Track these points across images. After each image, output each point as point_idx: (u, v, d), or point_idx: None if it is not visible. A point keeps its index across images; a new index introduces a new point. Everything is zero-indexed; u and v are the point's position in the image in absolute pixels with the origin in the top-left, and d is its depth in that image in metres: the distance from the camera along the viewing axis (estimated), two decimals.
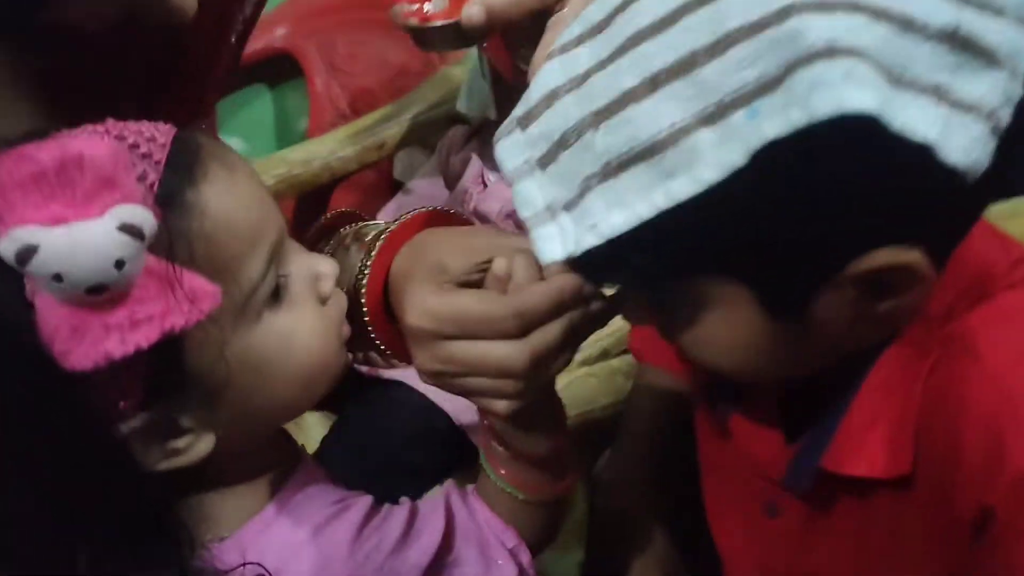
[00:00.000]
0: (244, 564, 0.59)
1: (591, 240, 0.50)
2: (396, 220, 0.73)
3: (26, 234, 0.46)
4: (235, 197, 0.58)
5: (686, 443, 0.82)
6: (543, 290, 0.62)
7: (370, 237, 0.73)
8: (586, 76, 0.51)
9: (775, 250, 0.50)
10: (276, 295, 0.61)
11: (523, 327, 0.62)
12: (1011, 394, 0.53)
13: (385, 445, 1.18)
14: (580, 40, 0.53)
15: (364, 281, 0.70)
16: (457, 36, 0.71)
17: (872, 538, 0.64)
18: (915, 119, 0.45)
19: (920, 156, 0.46)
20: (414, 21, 0.73)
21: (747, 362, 0.59)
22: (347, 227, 0.78)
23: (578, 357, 1.03)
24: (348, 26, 1.98)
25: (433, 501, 0.72)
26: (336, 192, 1.58)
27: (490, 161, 1.37)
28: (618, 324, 1.04)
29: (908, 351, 0.59)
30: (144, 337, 0.49)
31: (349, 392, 1.33)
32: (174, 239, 0.52)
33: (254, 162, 1.66)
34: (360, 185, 1.70)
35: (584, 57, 0.52)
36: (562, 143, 0.52)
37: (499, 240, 0.67)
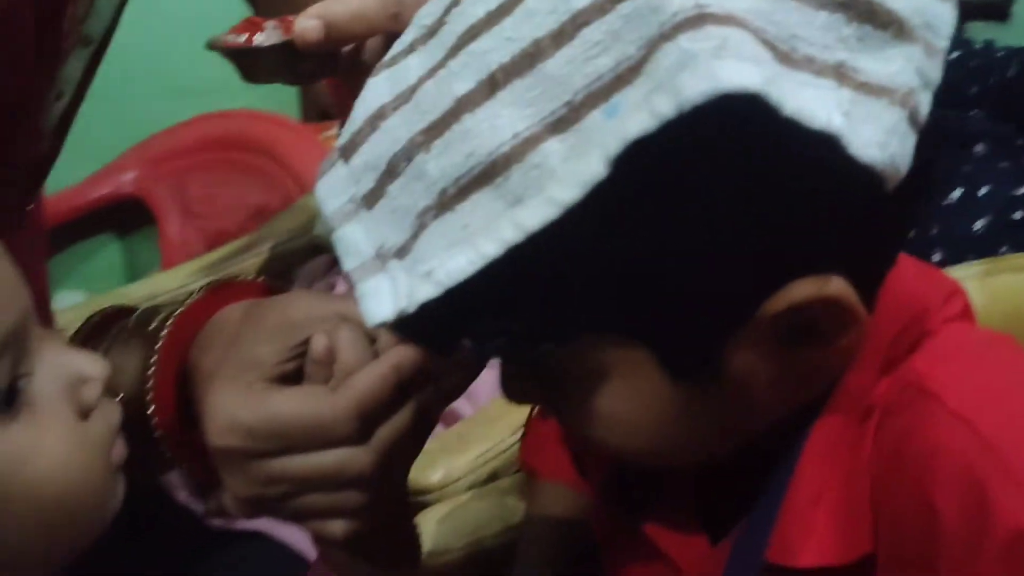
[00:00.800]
0: None
1: (427, 291, 0.39)
2: (184, 300, 0.59)
3: None
4: None
5: (592, 569, 0.70)
6: (378, 373, 0.49)
7: (154, 325, 0.58)
8: (415, 88, 0.42)
9: (665, 292, 0.40)
10: (9, 401, 0.45)
11: (361, 427, 0.49)
12: (987, 439, 0.42)
13: None
14: (411, 48, 0.44)
15: (150, 385, 0.55)
16: (290, 61, 0.60)
17: None
18: (812, 102, 0.36)
19: (824, 150, 0.36)
20: (236, 39, 0.61)
21: (656, 441, 0.48)
22: (127, 319, 0.63)
23: (464, 480, 0.92)
24: (202, 167, 1.88)
25: None
26: None
27: None
28: (508, 443, 0.94)
29: (846, 410, 0.48)
30: None
31: (192, 557, 1.15)
32: None
33: (92, 298, 1.50)
34: None
35: (414, 67, 0.43)
36: (390, 172, 0.41)
37: (320, 307, 0.53)
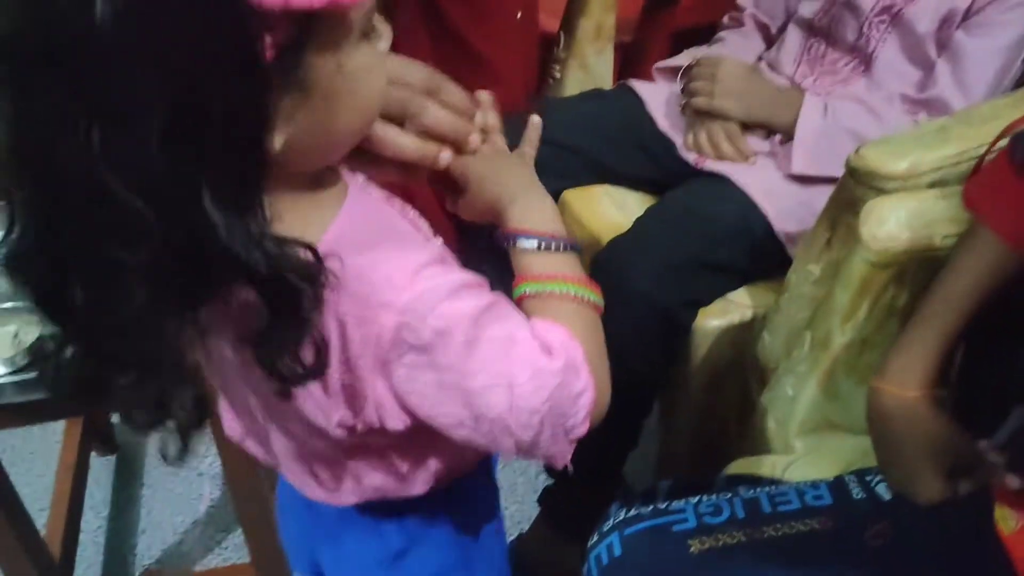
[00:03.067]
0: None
1: None
2: None
3: None
4: None
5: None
6: None
7: None
8: None
9: None
10: (366, 33, 0.56)
11: None
12: None
13: (698, 237, 1.15)
14: None
15: None
16: None
17: None
18: None
19: None
20: None
21: None
22: None
23: (927, 176, 0.92)
24: None
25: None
26: None
27: None
28: (982, 151, 0.90)
29: None
30: None
31: (670, 185, 1.31)
32: None
33: None
34: None
35: None
36: None
37: None
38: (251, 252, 0.49)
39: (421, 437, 0.65)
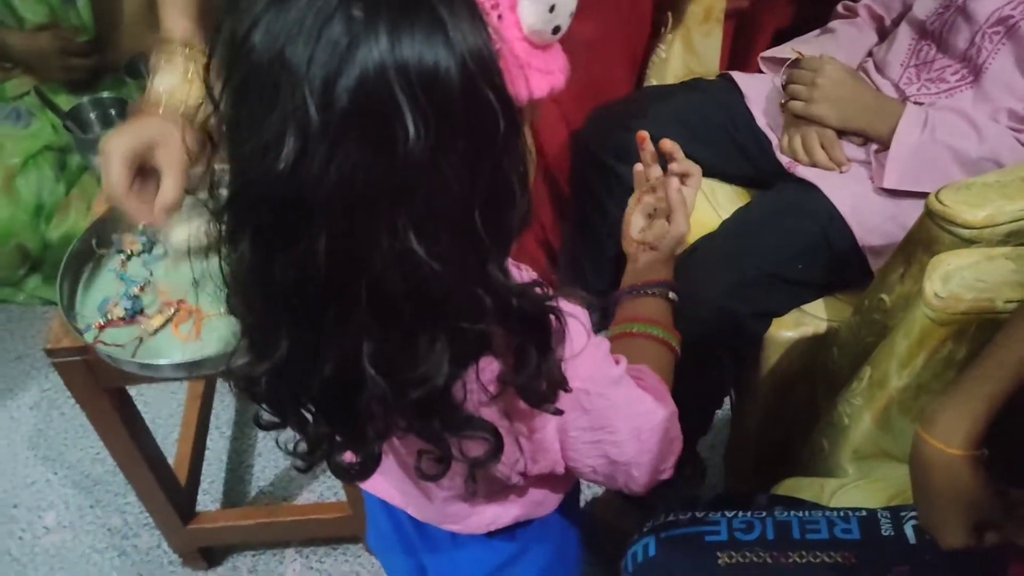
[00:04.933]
0: None
1: None
2: None
3: None
4: None
5: None
6: None
7: None
8: None
9: None
10: None
11: None
12: None
13: (774, 251, 1.18)
14: None
15: None
16: None
17: None
18: None
19: None
20: None
21: None
22: None
23: (1004, 227, 0.92)
24: None
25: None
26: None
27: None
28: None
29: None
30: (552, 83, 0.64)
31: (764, 182, 1.33)
32: None
33: None
34: None
35: None
36: None
37: None
38: (515, 299, 0.60)
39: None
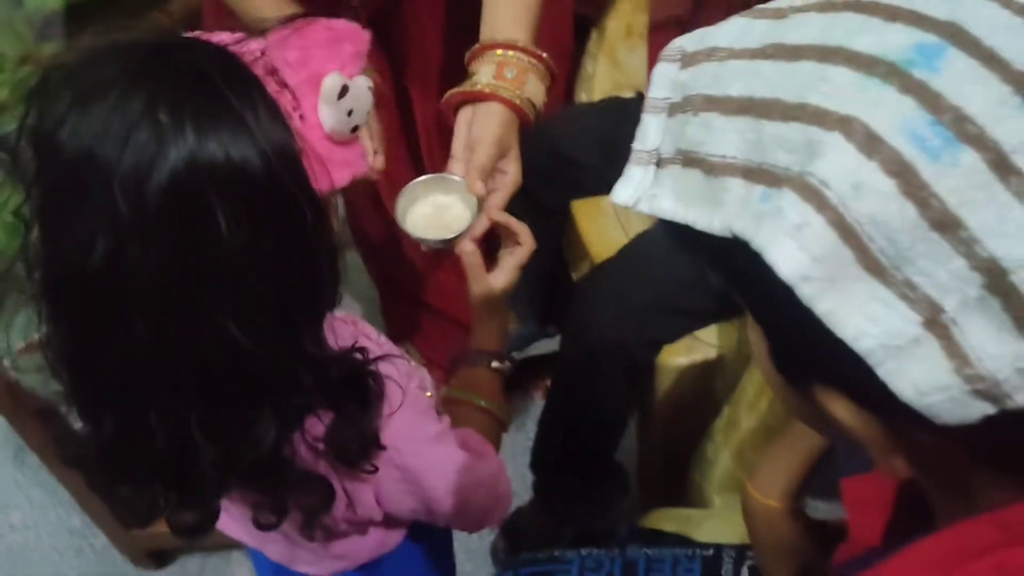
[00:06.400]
0: None
1: (644, 208, 0.50)
2: None
3: (339, 79, 0.66)
4: None
5: None
6: None
7: None
8: (732, 56, 0.46)
9: (779, 324, 0.46)
10: None
11: None
12: None
13: (661, 282, 1.19)
14: (770, 15, 0.46)
15: None
16: None
17: None
18: (861, 314, 0.38)
19: None
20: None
21: (777, 393, 0.54)
22: None
23: None
24: None
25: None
26: None
27: None
28: None
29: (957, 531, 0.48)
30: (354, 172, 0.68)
31: None
32: None
33: None
34: None
35: (755, 34, 0.46)
36: (682, 106, 0.49)
37: None
38: (330, 368, 0.65)
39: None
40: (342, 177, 0.68)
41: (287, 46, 0.66)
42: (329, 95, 0.66)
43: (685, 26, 1.58)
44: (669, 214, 0.47)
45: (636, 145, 0.51)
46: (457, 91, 0.96)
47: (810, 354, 0.45)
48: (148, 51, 0.57)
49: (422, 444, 0.76)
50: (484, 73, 0.96)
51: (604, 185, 1.41)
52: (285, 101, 0.62)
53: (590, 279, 1.25)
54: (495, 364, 0.88)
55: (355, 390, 0.68)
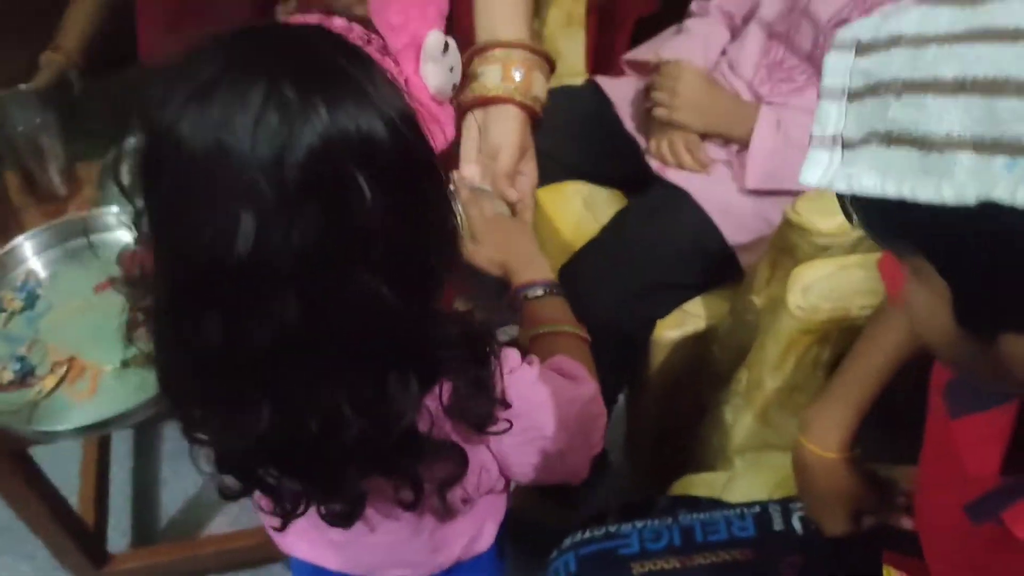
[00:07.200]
0: None
1: (841, 186, 0.53)
2: None
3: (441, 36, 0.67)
4: None
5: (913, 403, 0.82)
6: None
7: None
8: (928, 41, 0.50)
9: (978, 281, 0.50)
10: None
11: None
12: None
13: (653, 261, 1.25)
14: (951, 2, 0.50)
15: None
16: None
17: None
18: None
19: None
20: None
21: (936, 349, 0.60)
22: None
23: (854, 235, 1.01)
24: None
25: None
26: None
27: None
28: None
29: None
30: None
31: (639, 182, 1.39)
32: None
33: None
34: None
35: (943, 21, 0.50)
36: (874, 90, 0.52)
37: None
38: (460, 326, 0.68)
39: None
40: (449, 134, 0.70)
41: (388, 10, 0.67)
42: (434, 51, 0.68)
43: (605, 9, 1.64)
44: (872, 190, 0.50)
45: (815, 131, 0.54)
46: (469, 95, 0.97)
47: (1014, 305, 0.49)
48: (253, 37, 0.58)
49: (528, 388, 0.76)
50: (491, 74, 0.97)
51: (564, 171, 1.46)
52: (389, 66, 0.63)
53: (578, 264, 1.28)
54: (556, 291, 0.91)
55: (482, 348, 0.70)
